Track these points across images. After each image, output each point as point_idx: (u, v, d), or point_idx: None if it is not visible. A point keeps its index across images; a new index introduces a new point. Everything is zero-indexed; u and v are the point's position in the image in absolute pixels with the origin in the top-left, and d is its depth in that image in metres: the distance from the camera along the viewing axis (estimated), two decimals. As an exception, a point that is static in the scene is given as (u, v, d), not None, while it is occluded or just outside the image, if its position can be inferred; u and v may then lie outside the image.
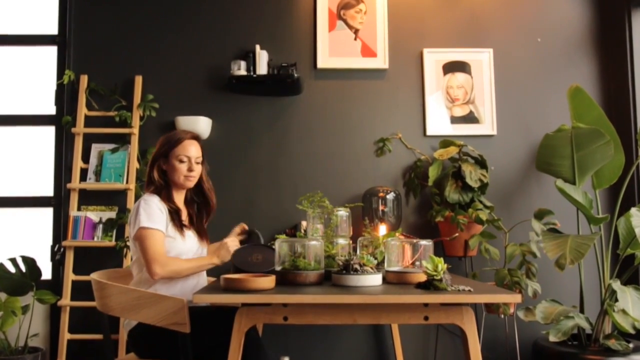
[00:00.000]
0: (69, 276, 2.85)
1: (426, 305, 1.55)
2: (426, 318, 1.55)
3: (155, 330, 1.79)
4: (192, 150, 2.08)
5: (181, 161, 2.05)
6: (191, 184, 2.09)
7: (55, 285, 2.93)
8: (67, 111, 3.01)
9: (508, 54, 3.12)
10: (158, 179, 2.06)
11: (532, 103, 3.10)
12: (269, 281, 1.59)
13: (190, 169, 2.06)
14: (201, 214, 2.19)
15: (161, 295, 1.76)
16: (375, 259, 1.77)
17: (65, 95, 3.02)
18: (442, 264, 1.60)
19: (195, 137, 2.12)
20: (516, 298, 1.49)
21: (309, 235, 1.97)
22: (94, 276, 1.93)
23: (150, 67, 3.05)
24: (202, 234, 2.14)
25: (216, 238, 2.23)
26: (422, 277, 1.64)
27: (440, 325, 2.91)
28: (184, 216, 2.10)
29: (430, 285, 1.58)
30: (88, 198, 2.95)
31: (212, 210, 2.20)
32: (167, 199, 2.05)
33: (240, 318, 1.54)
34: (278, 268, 1.72)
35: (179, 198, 2.13)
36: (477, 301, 1.51)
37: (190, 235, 2.08)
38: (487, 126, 3.06)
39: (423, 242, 1.77)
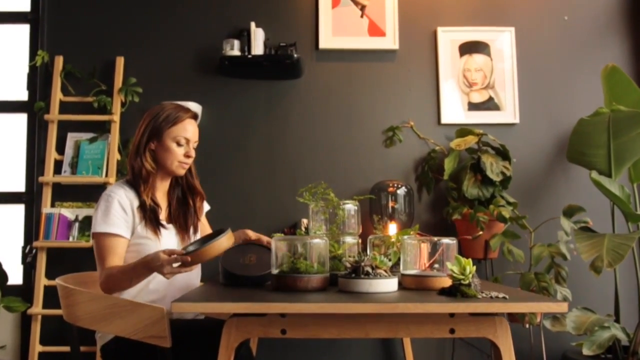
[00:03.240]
0: (41, 281, 2.70)
1: (452, 315, 1.37)
2: (452, 331, 1.37)
3: (132, 346, 1.62)
4: (193, 131, 1.85)
5: (179, 144, 1.82)
6: (183, 172, 1.87)
7: (26, 291, 2.78)
8: (40, 96, 2.89)
9: (531, 33, 2.99)
10: (150, 162, 1.81)
11: (558, 88, 2.96)
12: (227, 239, 1.59)
13: (187, 155, 1.83)
14: (186, 205, 1.92)
15: (137, 303, 1.59)
16: (389, 260, 1.59)
17: (38, 78, 2.89)
18: (470, 266, 1.41)
19: (195, 117, 1.90)
20: (562, 307, 1.31)
21: (310, 233, 1.81)
22: (60, 280, 1.75)
23: (132, 47, 2.92)
24: (183, 230, 1.88)
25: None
26: (447, 282, 1.47)
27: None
28: (164, 212, 1.86)
29: (456, 291, 1.40)
30: (63, 193, 2.81)
31: (203, 200, 1.97)
32: (148, 190, 1.80)
33: (229, 331, 1.36)
34: (275, 271, 1.55)
35: (162, 188, 1.89)
36: (515, 310, 1.33)
37: (169, 233, 1.84)
38: (509, 113, 2.93)
39: (445, 240, 1.60)
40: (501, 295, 1.39)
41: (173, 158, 1.81)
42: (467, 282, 1.40)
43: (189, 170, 1.92)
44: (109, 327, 1.60)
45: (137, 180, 1.80)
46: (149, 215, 1.78)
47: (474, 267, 1.43)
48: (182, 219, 1.89)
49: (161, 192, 1.90)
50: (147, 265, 1.60)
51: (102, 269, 1.70)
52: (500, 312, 1.34)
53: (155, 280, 1.78)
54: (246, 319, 1.36)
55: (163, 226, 1.81)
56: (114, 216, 1.73)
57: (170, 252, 1.56)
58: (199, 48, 2.92)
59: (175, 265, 1.56)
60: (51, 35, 2.91)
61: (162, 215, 1.85)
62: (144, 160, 1.81)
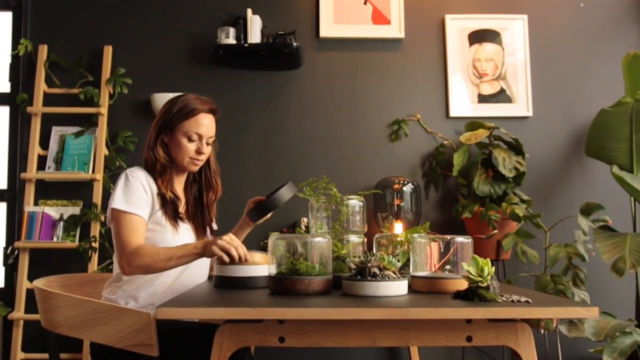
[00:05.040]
0: (23, 284, 2.62)
1: (469, 321, 1.27)
2: (469, 339, 1.27)
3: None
4: (207, 127, 1.80)
5: (190, 139, 1.78)
6: (195, 168, 1.84)
7: (7, 294, 2.71)
8: (23, 88, 2.83)
9: (545, 21, 2.94)
10: (163, 155, 1.78)
11: (574, 78, 2.91)
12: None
13: (199, 151, 1.79)
14: (202, 203, 1.91)
15: (121, 307, 1.53)
16: (398, 261, 1.49)
17: (20, 69, 2.83)
18: (488, 267, 1.31)
19: (213, 110, 1.84)
20: (592, 312, 1.21)
21: (311, 231, 1.73)
22: (38, 283, 1.67)
23: (121, 35, 2.87)
24: (200, 228, 1.87)
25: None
26: (462, 284, 1.37)
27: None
28: (182, 207, 1.84)
29: (473, 294, 1.31)
30: (47, 190, 2.76)
31: (216, 196, 1.95)
32: (167, 184, 1.78)
33: (221, 339, 1.27)
34: (272, 273, 1.46)
35: (179, 182, 1.87)
36: (541, 316, 1.23)
37: (186, 228, 1.81)
38: (521, 106, 2.87)
39: (460, 239, 1.50)
40: (523, 299, 1.29)
41: (184, 154, 1.78)
42: (485, 284, 1.31)
43: (207, 165, 1.89)
44: (90, 334, 1.53)
45: (152, 174, 1.79)
46: (169, 207, 1.76)
47: (493, 269, 1.33)
48: (200, 217, 1.87)
49: (179, 186, 1.87)
50: (202, 243, 1.59)
51: (125, 246, 1.64)
52: (523, 317, 1.25)
53: (166, 274, 1.73)
54: (240, 325, 1.27)
55: (181, 219, 1.79)
56: (135, 196, 1.70)
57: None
58: (192, 36, 2.86)
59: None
60: (35, 22, 2.86)
61: (181, 210, 1.83)
62: (157, 154, 1.78)
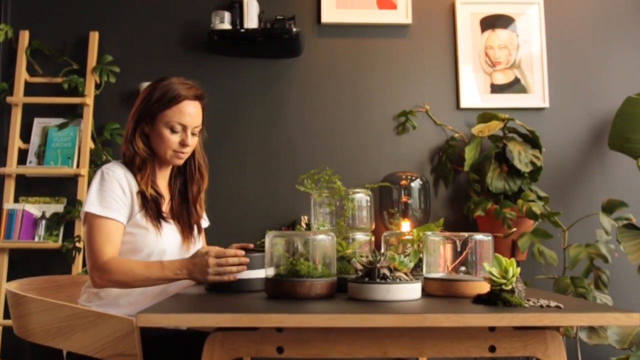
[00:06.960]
0: (2, 287, 2.59)
1: (492, 329, 1.18)
2: (492, 349, 1.19)
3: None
4: (191, 116, 1.68)
5: (173, 130, 1.66)
6: (180, 162, 1.73)
7: None
8: (2, 76, 2.83)
9: (562, 6, 2.92)
10: (143, 148, 1.68)
11: (593, 67, 2.91)
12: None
13: (183, 143, 1.68)
14: (187, 198, 1.80)
15: (101, 313, 1.44)
16: (410, 261, 1.41)
17: (0, 56, 2.83)
18: (513, 268, 1.23)
19: (199, 97, 1.72)
20: (634, 318, 1.12)
21: (313, 229, 1.66)
22: (11, 286, 1.58)
23: (108, 20, 2.86)
24: (186, 227, 1.76)
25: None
26: (484, 287, 1.29)
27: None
28: (166, 205, 1.74)
29: (497, 299, 1.22)
30: (28, 186, 2.75)
31: (201, 190, 1.83)
32: (147, 179, 1.67)
33: (211, 349, 1.19)
34: (270, 274, 1.39)
35: (163, 177, 1.77)
36: (575, 323, 1.15)
37: (171, 229, 1.71)
38: (537, 96, 2.87)
39: (479, 236, 1.42)
40: (553, 303, 1.20)
41: (166, 146, 1.67)
42: (509, 287, 1.22)
43: (192, 156, 1.78)
44: (67, 342, 1.46)
45: (131, 169, 1.68)
46: (151, 206, 1.66)
47: (518, 269, 1.23)
48: (186, 216, 1.77)
49: (163, 181, 1.77)
50: (186, 270, 1.51)
51: (97, 257, 1.56)
52: (555, 325, 1.15)
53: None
54: (233, 333, 1.20)
55: (164, 219, 1.68)
56: (111, 198, 1.60)
57: (218, 252, 1.49)
58: (184, 21, 2.85)
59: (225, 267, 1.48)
60: (15, 6, 2.85)
61: (164, 208, 1.73)
62: (136, 146, 1.68)
